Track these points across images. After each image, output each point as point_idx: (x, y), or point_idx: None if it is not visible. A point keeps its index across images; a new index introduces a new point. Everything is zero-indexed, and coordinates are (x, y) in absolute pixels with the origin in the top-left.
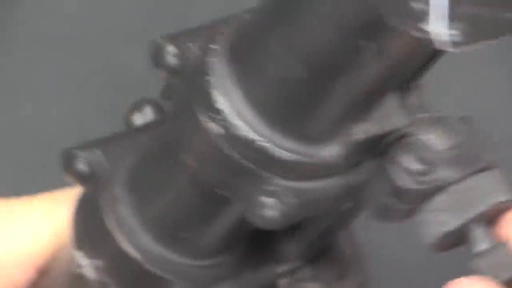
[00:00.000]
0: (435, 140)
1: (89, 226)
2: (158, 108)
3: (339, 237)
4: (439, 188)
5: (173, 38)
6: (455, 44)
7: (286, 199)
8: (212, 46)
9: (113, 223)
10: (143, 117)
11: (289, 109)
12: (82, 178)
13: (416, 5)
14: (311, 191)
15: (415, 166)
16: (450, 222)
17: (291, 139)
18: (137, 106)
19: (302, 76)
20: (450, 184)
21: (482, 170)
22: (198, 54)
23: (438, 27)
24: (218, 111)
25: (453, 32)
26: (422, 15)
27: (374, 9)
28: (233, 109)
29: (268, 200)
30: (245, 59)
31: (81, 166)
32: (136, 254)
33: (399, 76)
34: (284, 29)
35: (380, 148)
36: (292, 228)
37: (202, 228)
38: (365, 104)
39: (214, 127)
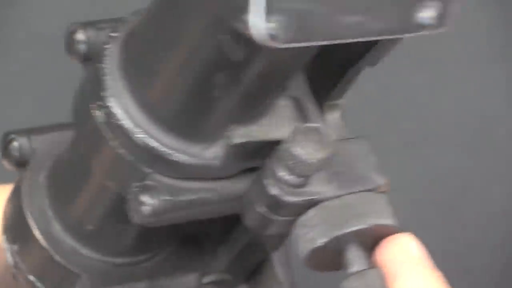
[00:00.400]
0: (305, 152)
1: (12, 212)
2: None
3: (273, 257)
4: (313, 203)
5: (85, 26)
6: (273, 38)
7: (162, 196)
8: (113, 34)
9: (29, 211)
10: None
11: (169, 105)
12: (14, 163)
13: None
14: (189, 192)
15: (288, 177)
16: (317, 239)
17: (172, 135)
18: None
19: (178, 71)
20: (324, 199)
21: (364, 190)
22: (103, 41)
23: (257, 19)
24: (103, 99)
25: (271, 26)
26: (244, 6)
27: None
28: (117, 99)
29: (144, 195)
30: (132, 51)
31: (14, 151)
32: (46, 244)
33: (271, 79)
34: (160, 21)
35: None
36: (219, 240)
37: (108, 225)
38: (246, 108)
39: (99, 114)
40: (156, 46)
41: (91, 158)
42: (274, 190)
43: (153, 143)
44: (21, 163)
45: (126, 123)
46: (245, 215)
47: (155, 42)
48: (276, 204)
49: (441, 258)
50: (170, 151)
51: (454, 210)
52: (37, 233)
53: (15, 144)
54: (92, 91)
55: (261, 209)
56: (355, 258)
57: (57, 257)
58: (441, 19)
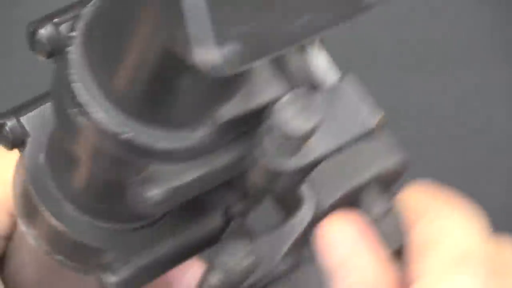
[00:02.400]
0: (295, 126)
1: (22, 196)
2: None
3: None
4: (316, 163)
5: (47, 20)
6: (222, 68)
7: (164, 185)
8: (72, 34)
9: (37, 194)
10: None
11: (146, 104)
12: (8, 145)
13: (191, 29)
14: (187, 173)
15: (283, 145)
16: (325, 200)
17: (157, 127)
18: None
19: (147, 65)
20: (324, 157)
21: (362, 135)
22: (64, 38)
23: (207, 51)
24: (80, 105)
25: (220, 56)
26: (192, 38)
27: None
28: (95, 103)
29: (147, 188)
30: (95, 53)
31: (6, 132)
32: (62, 226)
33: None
34: (119, 16)
35: (260, 119)
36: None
37: (117, 199)
38: (221, 90)
39: (80, 120)
40: (118, 41)
41: (84, 157)
42: (271, 164)
43: (140, 140)
44: (13, 144)
45: (109, 126)
46: (248, 181)
47: (115, 37)
48: (274, 175)
49: None
50: (159, 143)
51: None
52: (50, 217)
53: (7, 125)
54: (67, 97)
55: (261, 179)
56: (371, 204)
57: (75, 236)
58: None
